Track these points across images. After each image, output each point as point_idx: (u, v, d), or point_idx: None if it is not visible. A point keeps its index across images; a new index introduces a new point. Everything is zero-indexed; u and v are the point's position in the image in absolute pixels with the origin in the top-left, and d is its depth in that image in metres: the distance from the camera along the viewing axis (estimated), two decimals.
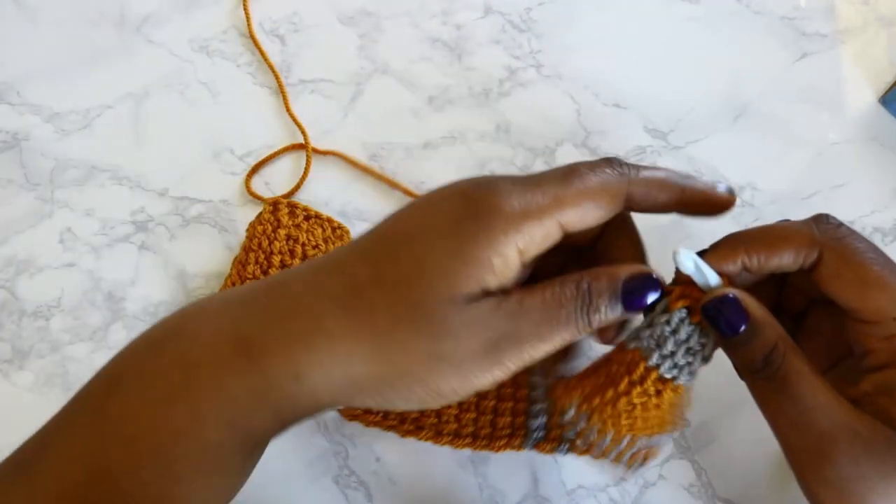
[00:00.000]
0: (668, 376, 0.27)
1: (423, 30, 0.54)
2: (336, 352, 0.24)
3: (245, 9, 0.52)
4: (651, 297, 0.26)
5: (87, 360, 0.42)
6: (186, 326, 0.26)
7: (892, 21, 0.56)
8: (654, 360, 0.27)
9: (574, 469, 0.40)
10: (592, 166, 0.26)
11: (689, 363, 0.27)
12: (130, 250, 0.45)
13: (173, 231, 0.46)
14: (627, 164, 0.27)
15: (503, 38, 0.54)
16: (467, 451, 0.40)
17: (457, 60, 0.53)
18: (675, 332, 0.27)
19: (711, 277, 0.27)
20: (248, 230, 0.42)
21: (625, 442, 0.29)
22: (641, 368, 0.27)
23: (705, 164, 0.49)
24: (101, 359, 0.41)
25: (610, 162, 0.26)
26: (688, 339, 0.27)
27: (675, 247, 0.27)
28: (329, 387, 0.25)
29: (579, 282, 0.26)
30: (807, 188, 0.49)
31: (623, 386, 0.28)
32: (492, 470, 0.40)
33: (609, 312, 0.26)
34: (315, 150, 0.48)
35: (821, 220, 0.27)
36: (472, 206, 0.25)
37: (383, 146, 0.49)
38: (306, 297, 0.25)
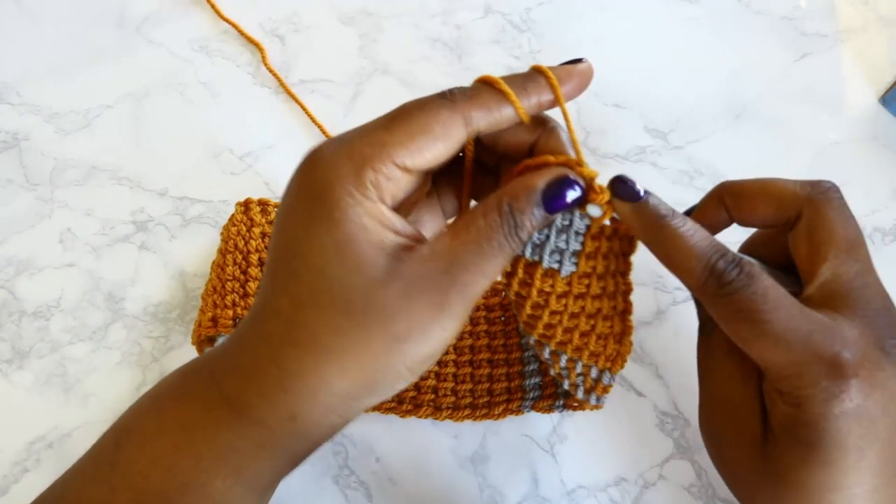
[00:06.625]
0: (552, 266, 0.28)
1: (423, 30, 0.54)
2: (311, 383, 0.25)
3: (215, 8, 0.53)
4: (571, 196, 0.26)
5: (86, 360, 0.42)
6: (185, 388, 0.27)
7: (892, 21, 0.56)
8: (528, 253, 0.28)
9: (574, 469, 0.40)
10: (421, 104, 0.26)
11: (562, 247, 0.28)
12: (130, 250, 0.45)
13: (173, 231, 0.46)
14: (461, 92, 0.26)
15: (503, 38, 0.54)
16: (467, 451, 0.40)
17: (457, 60, 0.53)
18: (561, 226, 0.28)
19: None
20: (221, 233, 0.42)
21: (579, 365, 0.31)
22: (521, 266, 0.29)
23: (705, 163, 0.49)
24: (100, 359, 0.42)
25: (441, 94, 0.26)
26: (560, 224, 0.28)
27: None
28: (327, 412, 0.26)
29: (500, 205, 0.26)
30: None
31: (521, 290, 0.29)
32: (492, 470, 0.40)
33: (535, 222, 0.26)
34: None
35: (815, 183, 0.28)
36: (312, 192, 0.25)
37: None
38: (260, 347, 0.26)
